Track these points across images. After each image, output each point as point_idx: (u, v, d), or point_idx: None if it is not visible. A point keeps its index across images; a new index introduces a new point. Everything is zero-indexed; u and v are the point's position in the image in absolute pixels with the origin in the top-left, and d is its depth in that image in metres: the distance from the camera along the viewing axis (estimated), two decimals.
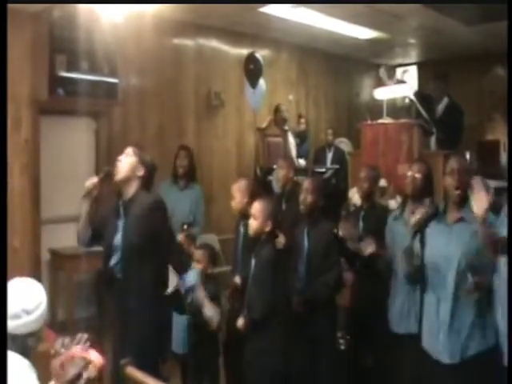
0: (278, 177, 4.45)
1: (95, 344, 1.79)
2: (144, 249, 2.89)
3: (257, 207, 3.15)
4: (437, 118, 5.99)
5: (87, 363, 1.68)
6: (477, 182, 2.30)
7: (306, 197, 3.41)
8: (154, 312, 2.94)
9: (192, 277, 3.00)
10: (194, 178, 5.00)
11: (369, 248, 3.30)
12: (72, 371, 1.62)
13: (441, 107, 6.16)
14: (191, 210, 4.88)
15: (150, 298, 2.91)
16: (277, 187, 4.47)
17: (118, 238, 2.95)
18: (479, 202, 2.25)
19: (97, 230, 3.07)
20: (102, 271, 3.11)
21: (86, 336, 1.78)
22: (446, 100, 6.21)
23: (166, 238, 2.98)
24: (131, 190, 2.98)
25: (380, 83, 6.64)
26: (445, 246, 2.57)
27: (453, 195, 2.58)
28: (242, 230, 3.72)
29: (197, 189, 5.01)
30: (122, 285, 2.94)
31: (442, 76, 6.52)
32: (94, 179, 3.03)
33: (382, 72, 6.81)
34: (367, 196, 3.93)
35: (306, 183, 3.50)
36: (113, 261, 2.95)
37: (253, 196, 3.57)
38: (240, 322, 3.10)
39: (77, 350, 1.71)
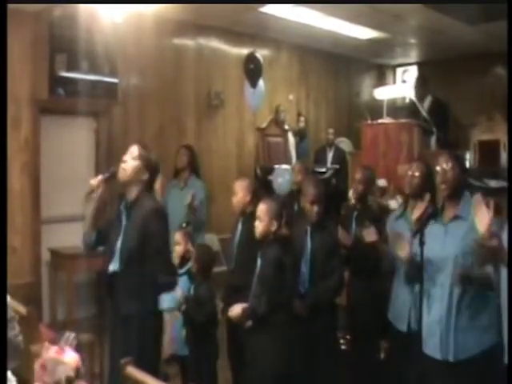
0: (294, 180, 4.65)
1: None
2: (142, 254, 2.83)
3: (262, 209, 3.10)
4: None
5: (61, 364, 1.72)
6: (478, 199, 2.27)
7: (307, 198, 3.33)
8: (153, 316, 2.89)
9: (169, 301, 2.88)
10: (196, 175, 4.92)
11: (371, 236, 3.33)
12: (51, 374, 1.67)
13: (426, 106, 6.34)
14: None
15: (148, 301, 2.84)
16: (285, 188, 4.56)
17: (119, 243, 2.90)
18: (481, 219, 2.23)
19: (102, 233, 3.01)
20: (103, 275, 3.07)
21: (72, 336, 1.80)
22: (429, 98, 6.35)
23: (158, 247, 2.88)
24: (134, 191, 2.93)
25: None
26: (441, 246, 2.57)
27: (442, 193, 2.61)
28: (239, 227, 3.71)
29: (197, 185, 4.83)
30: (121, 289, 2.88)
31: (420, 78, 6.71)
32: (99, 177, 2.99)
33: None
34: (362, 197, 3.91)
35: (309, 185, 3.42)
36: (112, 266, 2.89)
37: (254, 194, 3.57)
38: (236, 309, 3.02)
39: (52, 352, 1.75)
